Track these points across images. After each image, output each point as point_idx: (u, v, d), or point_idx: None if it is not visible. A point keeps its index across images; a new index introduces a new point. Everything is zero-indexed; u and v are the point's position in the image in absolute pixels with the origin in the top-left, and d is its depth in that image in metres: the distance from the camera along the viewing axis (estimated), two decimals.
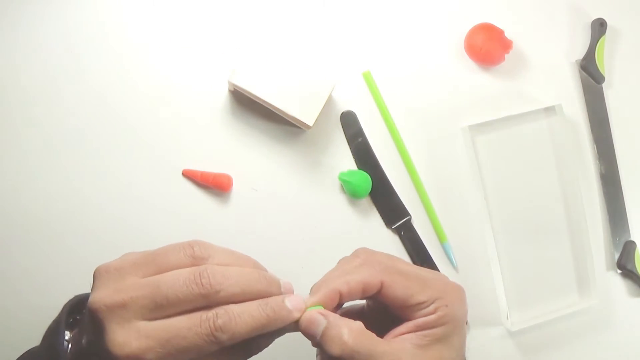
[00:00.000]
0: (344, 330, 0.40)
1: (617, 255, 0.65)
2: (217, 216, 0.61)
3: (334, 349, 0.40)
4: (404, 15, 0.65)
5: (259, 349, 0.41)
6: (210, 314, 0.37)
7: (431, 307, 0.42)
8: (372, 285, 0.42)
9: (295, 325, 0.41)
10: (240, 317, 0.38)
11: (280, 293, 0.41)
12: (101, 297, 0.38)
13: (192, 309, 0.38)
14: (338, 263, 0.46)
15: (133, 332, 0.37)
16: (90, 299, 0.38)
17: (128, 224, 0.61)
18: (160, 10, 0.62)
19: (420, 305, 0.42)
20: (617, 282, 0.66)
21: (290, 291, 0.42)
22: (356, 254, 0.45)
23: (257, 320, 0.38)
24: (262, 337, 0.41)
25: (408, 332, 0.43)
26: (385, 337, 0.43)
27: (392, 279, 0.42)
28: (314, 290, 0.43)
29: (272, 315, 0.39)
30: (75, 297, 0.44)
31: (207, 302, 0.38)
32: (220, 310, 0.38)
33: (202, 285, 0.37)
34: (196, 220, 0.61)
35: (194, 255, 0.39)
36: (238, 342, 0.38)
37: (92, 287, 0.39)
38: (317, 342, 0.41)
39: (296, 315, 0.40)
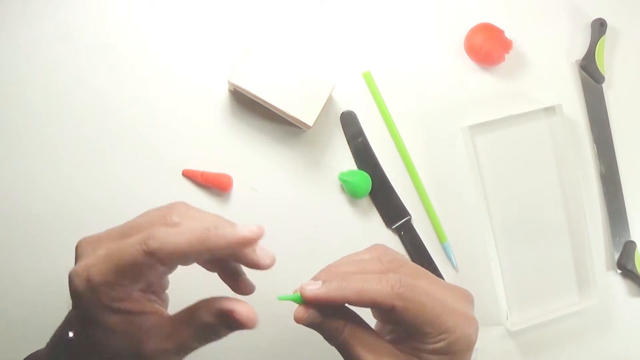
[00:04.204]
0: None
1: (617, 255, 0.65)
2: None
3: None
4: (404, 15, 0.65)
5: (218, 334, 0.40)
6: (150, 231, 0.38)
7: (437, 338, 0.42)
8: (383, 305, 0.41)
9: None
10: (176, 230, 0.37)
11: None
12: (82, 246, 0.40)
13: None
14: (357, 257, 0.45)
15: (91, 256, 0.38)
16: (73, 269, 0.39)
17: None
18: (160, 10, 0.62)
19: (428, 335, 0.42)
20: (617, 282, 0.66)
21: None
22: (380, 254, 0.44)
23: (193, 231, 0.37)
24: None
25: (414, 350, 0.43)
26: None
27: (406, 305, 0.40)
28: (324, 278, 0.42)
29: (213, 230, 0.36)
30: None
31: None
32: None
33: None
34: None
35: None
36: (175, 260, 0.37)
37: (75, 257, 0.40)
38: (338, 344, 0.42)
39: (242, 233, 0.37)
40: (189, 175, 0.61)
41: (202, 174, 0.61)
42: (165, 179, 0.61)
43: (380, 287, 0.41)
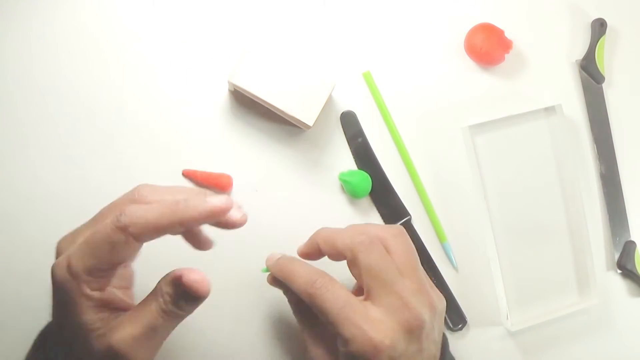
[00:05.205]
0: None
1: (617, 255, 0.65)
2: None
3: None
4: (404, 15, 0.65)
5: (180, 307, 0.41)
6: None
7: (340, 344, 0.45)
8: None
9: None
10: (147, 205, 0.39)
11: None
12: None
13: None
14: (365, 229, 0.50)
15: (70, 247, 0.41)
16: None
17: None
18: (160, 10, 0.62)
19: (336, 337, 0.45)
20: (617, 282, 0.66)
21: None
22: (383, 236, 0.49)
23: (165, 205, 0.39)
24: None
25: None
26: None
27: (313, 304, 0.46)
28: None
29: (183, 203, 0.39)
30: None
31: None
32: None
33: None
34: None
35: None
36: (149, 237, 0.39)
37: None
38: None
39: (213, 204, 0.39)
40: (189, 176, 0.61)
41: (202, 174, 0.61)
42: (166, 179, 0.61)
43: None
